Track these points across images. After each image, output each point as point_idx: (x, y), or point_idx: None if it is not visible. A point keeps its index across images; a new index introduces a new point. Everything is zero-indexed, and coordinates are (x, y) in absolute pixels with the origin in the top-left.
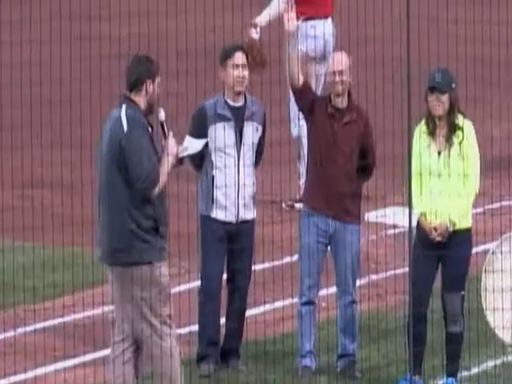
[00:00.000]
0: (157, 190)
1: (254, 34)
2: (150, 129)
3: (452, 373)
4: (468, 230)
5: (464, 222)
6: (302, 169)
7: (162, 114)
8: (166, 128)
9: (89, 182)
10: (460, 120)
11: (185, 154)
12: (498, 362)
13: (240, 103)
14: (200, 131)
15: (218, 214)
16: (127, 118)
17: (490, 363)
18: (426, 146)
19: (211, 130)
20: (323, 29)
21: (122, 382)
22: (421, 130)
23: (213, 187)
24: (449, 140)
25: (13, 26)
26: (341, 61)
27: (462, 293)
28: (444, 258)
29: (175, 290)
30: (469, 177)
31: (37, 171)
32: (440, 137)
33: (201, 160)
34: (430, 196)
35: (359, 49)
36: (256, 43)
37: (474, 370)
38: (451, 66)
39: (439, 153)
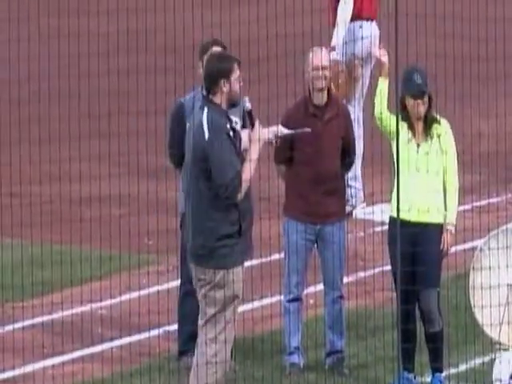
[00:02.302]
0: (241, 194)
1: (335, 56)
2: (231, 132)
3: (437, 370)
4: (440, 226)
5: (437, 217)
6: (353, 170)
7: (247, 104)
8: (253, 116)
9: (77, 178)
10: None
11: (284, 132)
12: (486, 359)
13: None
14: (179, 127)
15: None
16: (208, 124)
17: (478, 360)
18: (407, 140)
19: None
20: (370, 29)
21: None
22: (400, 120)
23: None
24: (428, 133)
25: (1, 23)
26: (324, 56)
27: (438, 289)
28: (416, 254)
29: (163, 287)
30: (451, 172)
31: (25, 168)
32: (418, 133)
33: (180, 156)
34: (407, 191)
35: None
36: (338, 66)
37: (462, 367)
38: (438, 63)
39: (418, 145)
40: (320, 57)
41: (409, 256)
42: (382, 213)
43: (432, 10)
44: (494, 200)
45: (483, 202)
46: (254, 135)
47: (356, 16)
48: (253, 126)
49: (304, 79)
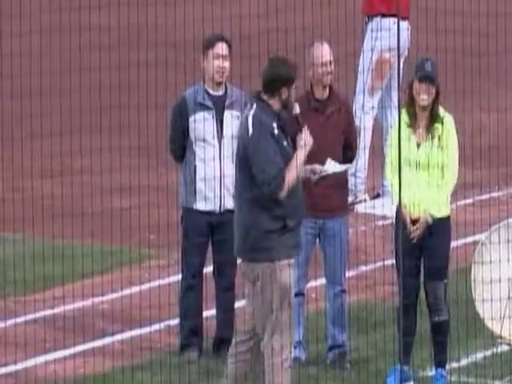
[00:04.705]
0: (284, 192)
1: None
2: (276, 131)
3: (440, 363)
4: (447, 219)
5: (443, 211)
6: (361, 161)
7: (296, 108)
8: (300, 121)
9: (79, 172)
10: (441, 112)
11: (323, 174)
12: (488, 353)
13: (220, 92)
14: (181, 121)
15: (200, 205)
16: (253, 121)
17: (480, 354)
18: (406, 137)
19: (191, 120)
20: (406, 26)
21: (242, 378)
22: (402, 119)
23: (195, 178)
24: (429, 131)
25: (6, 18)
26: (328, 52)
27: (445, 281)
28: (425, 247)
29: (165, 281)
30: (448, 167)
31: (27, 162)
32: (420, 128)
33: (182, 151)
34: (409, 188)
35: (347, 41)
36: None
37: (464, 362)
38: (440, 57)
39: (418, 144)
40: (326, 52)
41: (416, 250)
42: (383, 207)
43: (433, 5)
44: (495, 194)
45: (485, 197)
46: (301, 140)
47: (393, 13)
48: (300, 130)
49: (305, 73)
